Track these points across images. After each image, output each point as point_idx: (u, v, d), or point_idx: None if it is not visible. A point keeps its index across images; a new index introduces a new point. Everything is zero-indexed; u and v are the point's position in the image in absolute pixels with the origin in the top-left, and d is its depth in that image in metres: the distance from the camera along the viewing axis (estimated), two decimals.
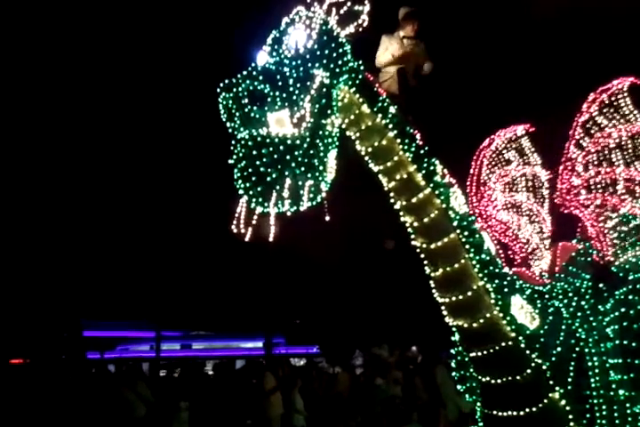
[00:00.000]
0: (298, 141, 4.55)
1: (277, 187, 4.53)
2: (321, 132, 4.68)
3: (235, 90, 4.61)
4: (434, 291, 5.72)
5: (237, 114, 4.64)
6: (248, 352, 28.27)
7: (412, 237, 5.65)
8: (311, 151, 4.58)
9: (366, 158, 5.51)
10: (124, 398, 12.22)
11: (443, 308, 5.75)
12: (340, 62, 4.95)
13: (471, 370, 5.94)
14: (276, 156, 4.51)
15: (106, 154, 23.11)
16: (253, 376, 14.97)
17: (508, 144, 6.89)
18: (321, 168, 4.62)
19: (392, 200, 5.58)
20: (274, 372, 13.90)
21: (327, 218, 4.75)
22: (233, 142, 4.67)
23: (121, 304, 27.78)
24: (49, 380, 15.43)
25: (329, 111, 4.77)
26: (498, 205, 6.63)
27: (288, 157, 4.52)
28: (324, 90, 4.78)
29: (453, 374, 6.43)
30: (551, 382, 5.59)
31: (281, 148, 4.52)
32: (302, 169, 4.54)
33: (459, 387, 6.42)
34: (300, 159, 4.53)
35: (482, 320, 5.52)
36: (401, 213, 5.61)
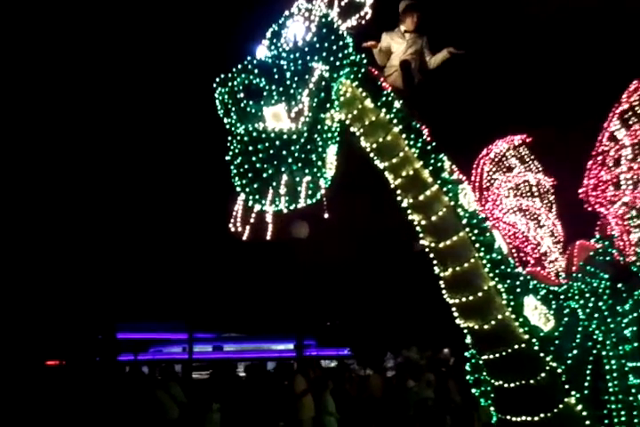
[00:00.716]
0: (294, 136, 4.42)
1: (274, 183, 4.41)
2: (319, 127, 4.55)
3: (230, 84, 4.50)
4: (443, 291, 5.55)
5: (233, 109, 4.52)
6: (279, 354, 28.24)
7: (421, 235, 5.49)
8: (308, 146, 4.45)
9: (371, 155, 5.35)
10: (157, 399, 12.24)
11: (453, 309, 5.57)
12: (340, 55, 4.81)
13: (485, 373, 5.75)
14: (271, 151, 4.39)
15: (133, 159, 23.12)
16: (285, 378, 14.89)
17: (507, 152, 6.71)
18: (319, 164, 4.49)
19: (399, 198, 5.43)
20: (304, 374, 13.79)
21: (326, 216, 4.60)
22: (229, 138, 4.57)
23: (154, 306, 27.98)
24: (84, 381, 15.59)
25: (328, 105, 4.64)
26: (504, 209, 6.43)
27: (284, 153, 4.39)
28: (324, 83, 4.65)
29: (468, 377, 6.22)
30: (567, 387, 5.37)
31: (277, 143, 4.39)
32: (299, 165, 4.41)
33: (473, 391, 6.20)
34: (296, 154, 4.40)
35: (493, 322, 5.33)
36: (408, 212, 5.44)
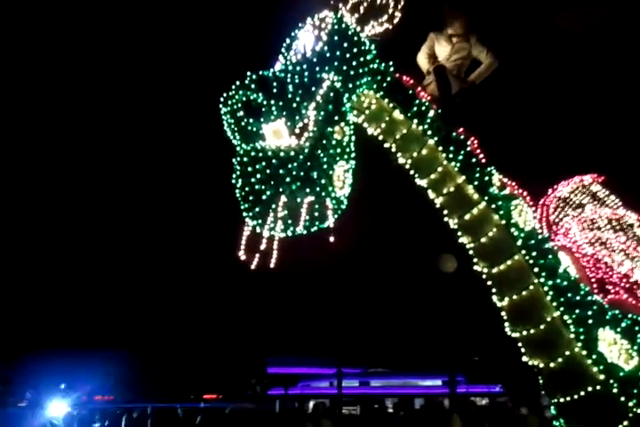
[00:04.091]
0: (293, 153, 4.01)
1: (273, 205, 4.01)
2: (325, 142, 4.10)
3: (230, 103, 4.20)
4: (505, 324, 4.88)
5: (236, 128, 4.20)
6: (426, 391, 27.13)
7: (474, 260, 4.86)
8: (309, 163, 4.02)
9: (411, 173, 4.84)
10: None
11: (519, 344, 4.87)
12: (355, 63, 4.37)
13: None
14: (268, 171, 4.01)
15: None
16: (435, 416, 14.18)
17: (575, 190, 5.91)
18: (323, 182, 4.03)
19: (445, 219, 4.84)
20: (461, 413, 12.97)
21: (332, 239, 4.12)
22: (233, 160, 4.25)
23: (303, 342, 28.00)
24: (238, 415, 15.97)
25: (337, 118, 4.18)
26: (577, 241, 5.60)
27: (282, 172, 3.99)
28: (332, 95, 4.22)
29: (554, 422, 5.39)
30: None
31: (274, 161, 4.01)
32: (298, 184, 3.98)
33: None
34: (294, 173, 3.98)
35: (560, 359, 4.58)
36: (458, 234, 4.85)
